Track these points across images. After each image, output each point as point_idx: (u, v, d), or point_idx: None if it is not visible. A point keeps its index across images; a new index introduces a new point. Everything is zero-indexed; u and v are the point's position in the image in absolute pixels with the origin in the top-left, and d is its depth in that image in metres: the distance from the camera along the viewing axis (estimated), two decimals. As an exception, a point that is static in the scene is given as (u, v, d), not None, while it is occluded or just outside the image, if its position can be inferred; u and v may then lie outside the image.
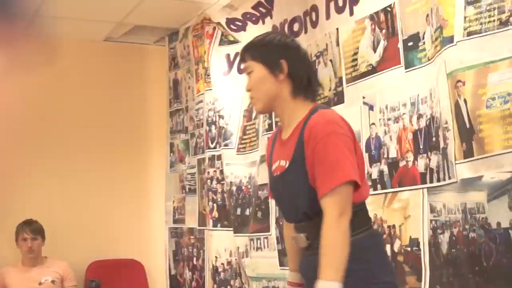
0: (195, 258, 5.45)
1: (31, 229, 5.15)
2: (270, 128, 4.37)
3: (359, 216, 2.45)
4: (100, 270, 5.56)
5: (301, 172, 2.44)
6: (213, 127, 5.11)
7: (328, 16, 3.93)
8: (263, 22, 4.61)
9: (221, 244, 5.02)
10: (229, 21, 4.86)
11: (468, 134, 2.86)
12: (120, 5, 5.03)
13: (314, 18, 4.06)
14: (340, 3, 3.82)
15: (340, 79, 3.82)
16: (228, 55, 5.04)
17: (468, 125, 2.86)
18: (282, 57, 2.53)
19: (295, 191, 2.48)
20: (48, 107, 5.68)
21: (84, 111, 5.80)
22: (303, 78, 2.55)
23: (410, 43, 3.33)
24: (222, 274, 5.00)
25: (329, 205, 2.34)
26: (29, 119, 5.60)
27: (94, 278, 5.31)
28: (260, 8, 4.59)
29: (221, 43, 5.10)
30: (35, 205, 5.46)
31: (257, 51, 2.59)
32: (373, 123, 3.56)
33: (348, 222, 2.33)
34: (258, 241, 4.52)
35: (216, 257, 5.06)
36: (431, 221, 3.15)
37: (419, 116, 3.26)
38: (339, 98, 3.82)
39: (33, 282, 5.10)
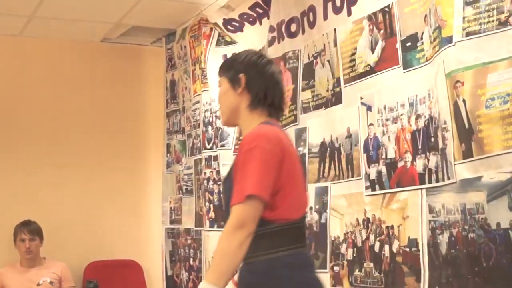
0: (191, 259, 5.43)
1: (29, 229, 5.15)
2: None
3: (284, 235, 2.50)
4: (98, 270, 5.56)
5: (230, 182, 2.52)
6: (209, 128, 5.10)
7: (325, 17, 3.92)
8: (260, 23, 4.61)
9: (218, 245, 5.00)
10: (226, 22, 4.86)
11: (467, 134, 2.86)
12: (117, 6, 5.02)
13: (311, 19, 4.05)
14: (338, 4, 3.81)
15: (338, 79, 3.82)
16: (225, 56, 5.01)
17: (467, 126, 2.86)
18: (242, 72, 2.65)
19: (226, 201, 2.57)
20: (46, 107, 5.68)
21: (81, 112, 5.80)
22: (259, 92, 2.64)
23: (409, 44, 3.33)
24: (219, 274, 4.99)
25: (231, 215, 2.43)
26: (27, 120, 5.60)
27: (92, 279, 5.29)
28: (257, 9, 4.58)
29: (218, 43, 5.11)
30: (33, 206, 5.45)
31: (224, 67, 2.75)
32: (371, 124, 3.56)
33: (245, 236, 2.39)
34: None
35: (213, 257, 5.04)
36: (430, 221, 3.15)
37: (418, 117, 3.25)
38: (337, 98, 3.82)
39: (31, 283, 5.10)
